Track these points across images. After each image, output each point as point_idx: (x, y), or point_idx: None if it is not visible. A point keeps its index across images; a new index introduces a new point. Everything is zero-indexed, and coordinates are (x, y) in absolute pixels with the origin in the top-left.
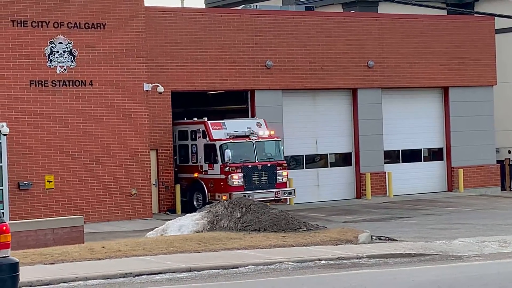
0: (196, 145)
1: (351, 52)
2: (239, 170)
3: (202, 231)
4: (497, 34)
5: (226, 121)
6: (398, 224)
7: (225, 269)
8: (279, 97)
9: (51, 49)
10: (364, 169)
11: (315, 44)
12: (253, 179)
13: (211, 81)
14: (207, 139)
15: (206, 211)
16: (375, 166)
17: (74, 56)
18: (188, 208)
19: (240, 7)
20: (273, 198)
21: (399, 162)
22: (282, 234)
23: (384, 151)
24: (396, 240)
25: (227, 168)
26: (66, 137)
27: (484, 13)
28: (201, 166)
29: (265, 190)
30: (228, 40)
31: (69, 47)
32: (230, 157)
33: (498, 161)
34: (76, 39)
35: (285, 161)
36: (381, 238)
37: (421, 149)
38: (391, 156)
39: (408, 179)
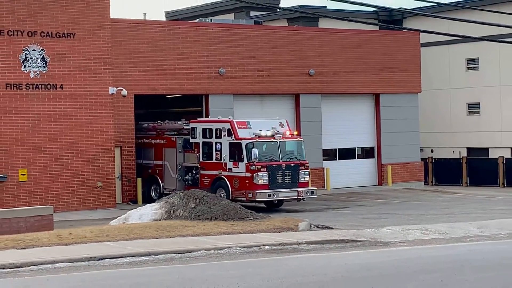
0: (220, 143)
1: (295, 62)
2: (265, 169)
3: (160, 220)
4: (422, 48)
5: (250, 121)
6: (334, 214)
7: (180, 253)
8: (230, 101)
9: (25, 55)
10: None
11: (263, 54)
12: (277, 178)
13: (170, 86)
14: (233, 137)
15: (163, 202)
16: (315, 163)
17: (46, 62)
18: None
19: (196, 20)
20: (296, 197)
21: (336, 159)
22: (231, 223)
23: (323, 149)
24: (332, 228)
25: (253, 166)
26: (38, 134)
27: (411, 29)
28: (225, 163)
29: (288, 189)
30: (185, 49)
31: (41, 54)
32: (257, 156)
33: (422, 159)
34: (48, 47)
35: (307, 161)
36: (319, 226)
37: (355, 147)
38: (329, 154)
39: (343, 174)
